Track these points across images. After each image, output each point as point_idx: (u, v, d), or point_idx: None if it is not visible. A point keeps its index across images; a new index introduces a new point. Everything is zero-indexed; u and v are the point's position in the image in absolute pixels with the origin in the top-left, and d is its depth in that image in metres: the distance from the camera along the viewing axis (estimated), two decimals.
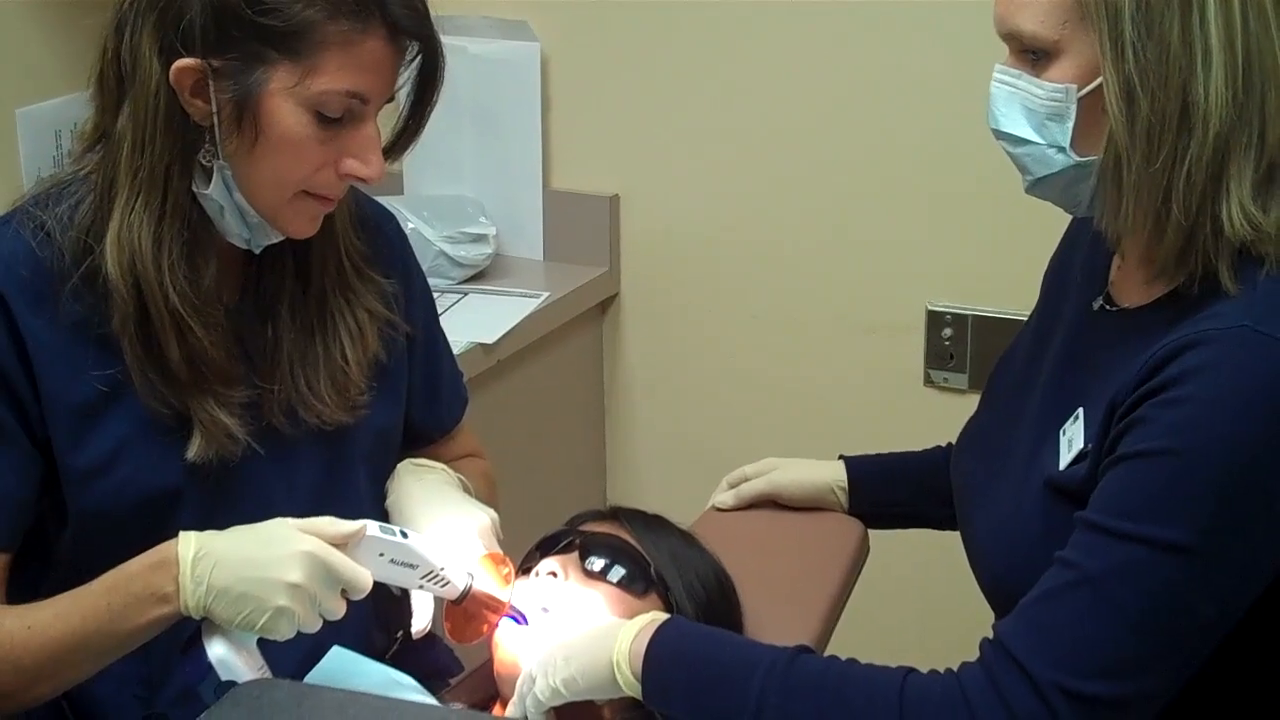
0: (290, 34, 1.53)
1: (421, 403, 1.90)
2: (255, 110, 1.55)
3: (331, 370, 1.72)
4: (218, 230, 1.63)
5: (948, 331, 2.79)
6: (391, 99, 1.64)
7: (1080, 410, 1.57)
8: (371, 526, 1.55)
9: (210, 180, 1.59)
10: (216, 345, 1.63)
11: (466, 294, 2.85)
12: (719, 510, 2.07)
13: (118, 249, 1.58)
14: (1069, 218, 1.73)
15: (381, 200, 1.92)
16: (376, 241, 1.82)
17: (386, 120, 1.66)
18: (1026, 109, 1.53)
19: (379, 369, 1.78)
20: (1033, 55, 1.52)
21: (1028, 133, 1.53)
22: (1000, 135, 1.57)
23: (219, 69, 1.54)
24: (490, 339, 2.66)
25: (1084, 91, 1.49)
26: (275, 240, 1.66)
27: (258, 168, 1.58)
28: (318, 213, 1.65)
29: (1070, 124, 1.50)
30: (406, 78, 1.64)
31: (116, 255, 1.58)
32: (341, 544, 1.52)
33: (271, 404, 1.70)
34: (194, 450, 1.63)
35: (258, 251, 1.67)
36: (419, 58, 1.62)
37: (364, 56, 1.55)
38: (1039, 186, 1.57)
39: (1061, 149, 1.52)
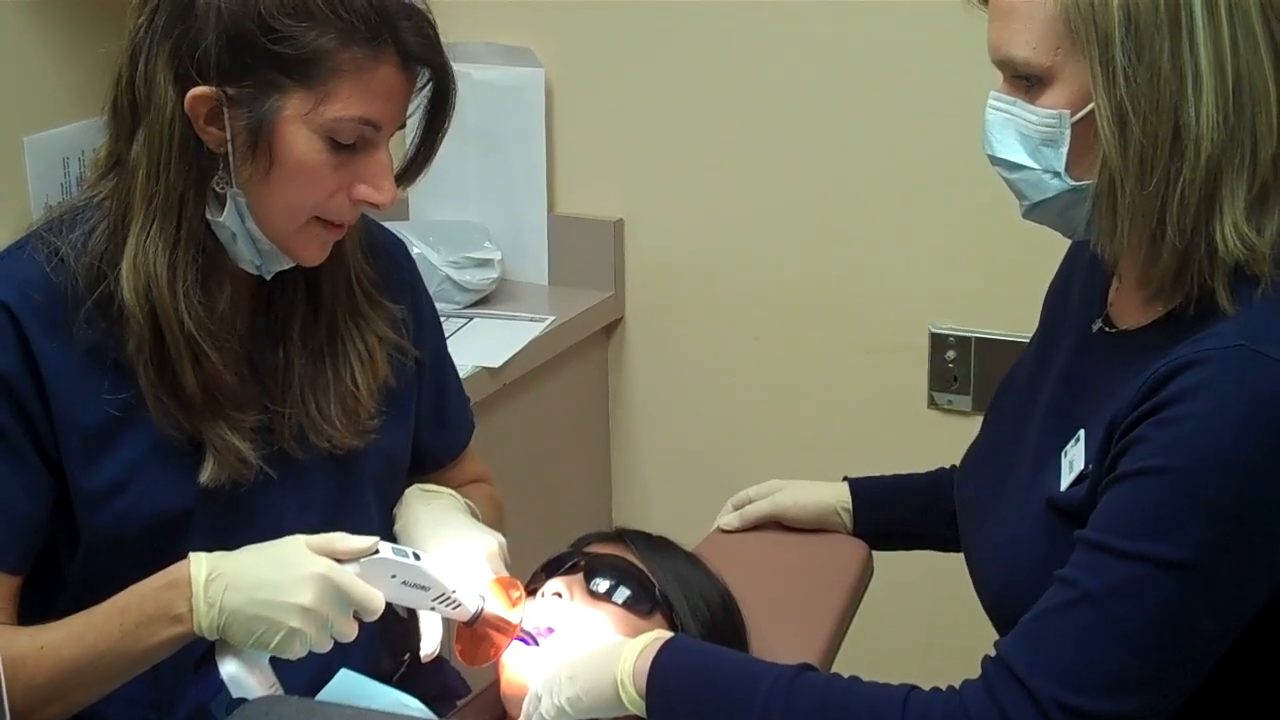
0: (304, 61, 1.54)
1: (429, 428, 1.91)
2: (269, 137, 1.56)
3: (342, 394, 1.73)
4: (230, 257, 1.65)
5: (951, 354, 2.80)
6: (403, 125, 1.65)
7: (1081, 432, 1.58)
8: (384, 548, 1.56)
9: (224, 207, 1.60)
10: (230, 370, 1.64)
11: (472, 318, 2.86)
12: (724, 531, 2.07)
13: (133, 275, 1.59)
14: (1070, 240, 1.74)
15: (386, 225, 1.93)
16: (387, 268, 1.83)
17: (397, 147, 1.67)
18: (1021, 135, 1.54)
19: (388, 393, 1.79)
20: (1026, 82, 1.52)
21: (1023, 158, 1.54)
22: (996, 161, 1.57)
23: (233, 97, 1.55)
24: (496, 363, 2.67)
25: (1077, 117, 1.50)
26: (286, 267, 1.67)
27: (271, 195, 1.59)
28: (329, 240, 1.66)
29: (1064, 149, 1.51)
30: (418, 104, 1.65)
31: (132, 281, 1.59)
32: (353, 559, 1.54)
33: (283, 428, 1.71)
34: (207, 474, 1.64)
35: (269, 278, 1.68)
36: (430, 84, 1.64)
37: (376, 83, 1.57)
38: (1035, 211, 1.58)
39: (1056, 174, 1.53)
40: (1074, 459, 1.57)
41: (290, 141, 1.56)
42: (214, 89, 1.55)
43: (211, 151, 1.58)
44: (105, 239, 1.62)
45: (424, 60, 1.60)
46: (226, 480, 1.65)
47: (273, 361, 1.72)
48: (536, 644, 1.66)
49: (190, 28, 1.54)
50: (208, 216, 1.61)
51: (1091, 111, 1.47)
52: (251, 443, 1.66)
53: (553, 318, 2.88)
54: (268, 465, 1.68)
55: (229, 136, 1.56)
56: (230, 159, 1.57)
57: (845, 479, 2.06)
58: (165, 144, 1.57)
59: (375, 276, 1.79)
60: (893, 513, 2.03)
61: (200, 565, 1.52)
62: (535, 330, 2.82)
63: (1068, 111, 1.50)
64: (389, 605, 1.58)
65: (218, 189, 1.59)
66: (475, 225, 3.00)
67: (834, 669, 1.77)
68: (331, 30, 1.53)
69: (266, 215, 1.60)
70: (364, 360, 1.75)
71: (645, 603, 1.71)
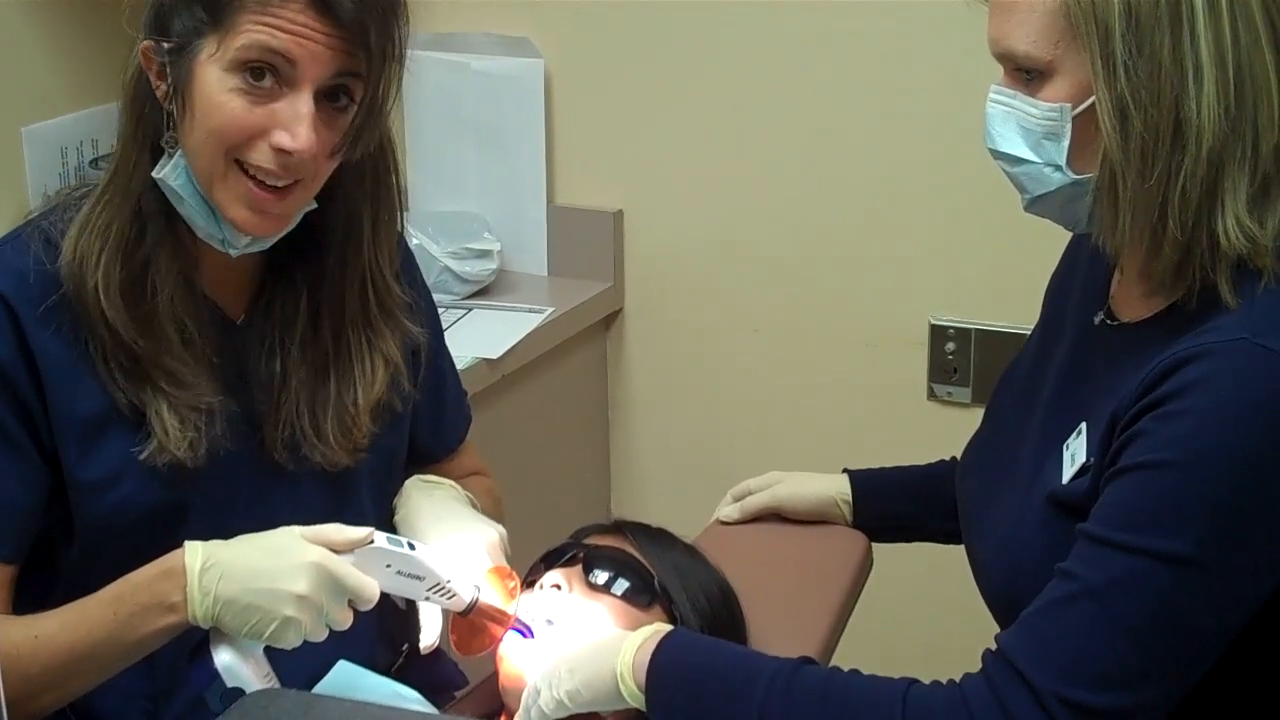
0: (214, 5, 1.55)
1: (426, 422, 1.91)
2: (188, 81, 1.57)
3: (340, 412, 1.73)
4: (188, 224, 1.63)
5: (951, 346, 2.80)
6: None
7: (1083, 424, 1.58)
8: (379, 537, 1.56)
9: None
10: (152, 342, 1.62)
11: (471, 309, 2.85)
12: (723, 523, 2.07)
13: (73, 243, 1.61)
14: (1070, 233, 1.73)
15: None
16: None
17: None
18: (1022, 128, 1.53)
19: (387, 412, 1.79)
20: (1027, 75, 1.52)
21: (1024, 152, 1.54)
22: (997, 155, 1.57)
23: (169, 48, 1.57)
24: (495, 354, 2.66)
25: (1078, 110, 1.50)
26: (246, 241, 1.64)
27: (193, 137, 1.58)
28: (258, 202, 1.60)
29: (1066, 142, 1.51)
30: (386, 77, 1.62)
31: (70, 250, 1.60)
32: (348, 550, 1.53)
33: (274, 439, 1.70)
34: (146, 452, 1.62)
35: (234, 254, 1.65)
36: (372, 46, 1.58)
37: (282, 20, 1.54)
38: (1037, 204, 1.58)
39: (1058, 167, 1.53)
40: (1075, 452, 1.57)
41: (202, 80, 1.56)
42: (153, 41, 1.58)
43: (160, 108, 1.60)
44: None
45: (341, 7, 1.54)
46: (165, 463, 1.63)
47: (269, 369, 1.71)
48: (531, 635, 1.66)
49: None
50: (154, 175, 1.61)
51: (1092, 105, 1.47)
52: (189, 424, 1.63)
53: (552, 309, 2.87)
54: (244, 457, 1.68)
55: (168, 87, 1.58)
56: (174, 114, 1.59)
57: (845, 471, 2.06)
58: (129, 102, 1.62)
59: (404, 299, 1.78)
60: (892, 505, 2.03)
61: (195, 554, 1.51)
62: (534, 321, 2.81)
63: (1069, 104, 1.50)
64: (387, 597, 1.58)
65: (168, 149, 1.60)
66: (474, 216, 2.99)
67: (834, 662, 1.78)
68: None
69: (194, 162, 1.59)
70: (368, 380, 1.74)
71: (644, 595, 1.70)
